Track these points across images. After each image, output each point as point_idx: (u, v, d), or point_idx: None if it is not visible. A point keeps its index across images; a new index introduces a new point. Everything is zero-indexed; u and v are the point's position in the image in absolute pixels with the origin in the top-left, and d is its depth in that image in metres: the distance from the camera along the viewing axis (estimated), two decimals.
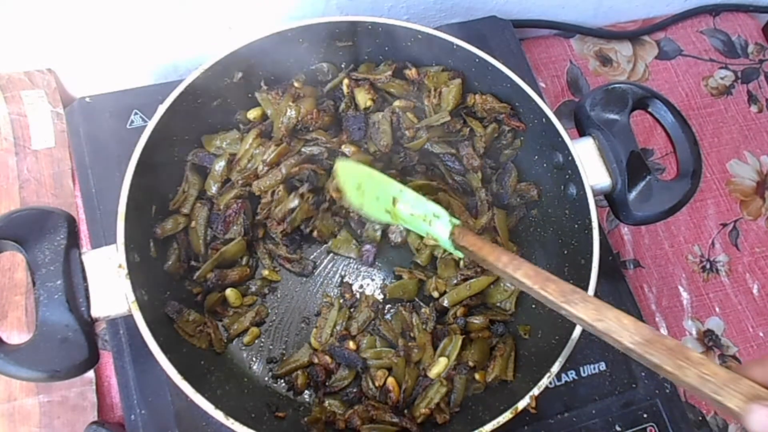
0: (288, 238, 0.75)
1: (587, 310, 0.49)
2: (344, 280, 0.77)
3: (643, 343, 0.45)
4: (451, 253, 0.75)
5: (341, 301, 0.74)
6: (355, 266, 0.78)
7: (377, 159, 0.76)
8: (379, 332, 0.73)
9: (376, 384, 0.69)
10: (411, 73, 0.78)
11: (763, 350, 0.88)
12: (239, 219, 0.72)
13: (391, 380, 0.68)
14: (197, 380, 0.59)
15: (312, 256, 0.77)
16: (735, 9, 1.11)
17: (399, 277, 0.76)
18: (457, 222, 0.61)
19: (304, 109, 0.75)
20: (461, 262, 0.75)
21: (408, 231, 0.76)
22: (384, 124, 0.76)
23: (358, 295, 0.75)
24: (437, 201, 0.74)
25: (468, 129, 0.78)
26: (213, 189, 0.74)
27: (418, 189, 0.71)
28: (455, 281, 0.74)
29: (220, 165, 0.74)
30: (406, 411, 0.69)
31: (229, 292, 0.72)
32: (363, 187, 0.68)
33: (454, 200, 0.76)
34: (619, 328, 0.47)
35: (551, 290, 0.52)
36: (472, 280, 0.74)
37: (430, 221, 0.63)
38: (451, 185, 0.79)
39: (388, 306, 0.75)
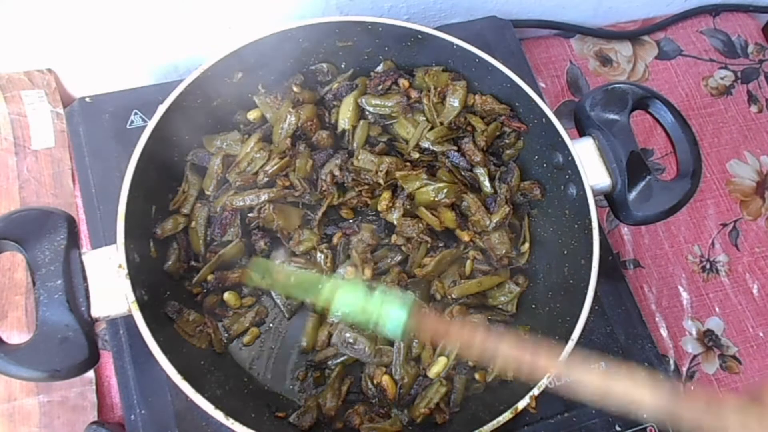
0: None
1: None
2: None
3: None
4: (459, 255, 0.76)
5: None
6: None
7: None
8: None
9: (374, 381, 0.69)
10: (404, 83, 0.78)
11: (763, 350, 0.88)
12: (236, 221, 0.72)
13: (386, 378, 0.68)
14: (197, 380, 0.59)
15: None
16: (735, 9, 1.10)
17: (412, 276, 0.76)
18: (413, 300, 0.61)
19: (304, 116, 0.75)
20: (468, 263, 0.75)
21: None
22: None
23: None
24: (456, 198, 0.75)
25: (468, 124, 0.78)
26: (210, 188, 0.74)
27: (439, 191, 0.73)
28: (452, 279, 0.74)
29: (214, 163, 0.73)
30: (406, 410, 0.69)
31: (228, 296, 0.71)
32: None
33: (468, 196, 0.76)
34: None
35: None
36: (483, 277, 0.74)
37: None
38: (461, 180, 0.78)
39: None
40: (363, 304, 0.60)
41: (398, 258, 0.75)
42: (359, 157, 0.74)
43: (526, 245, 0.77)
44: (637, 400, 0.49)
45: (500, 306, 0.75)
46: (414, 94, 0.77)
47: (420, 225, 0.74)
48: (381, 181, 0.74)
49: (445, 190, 0.74)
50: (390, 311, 0.59)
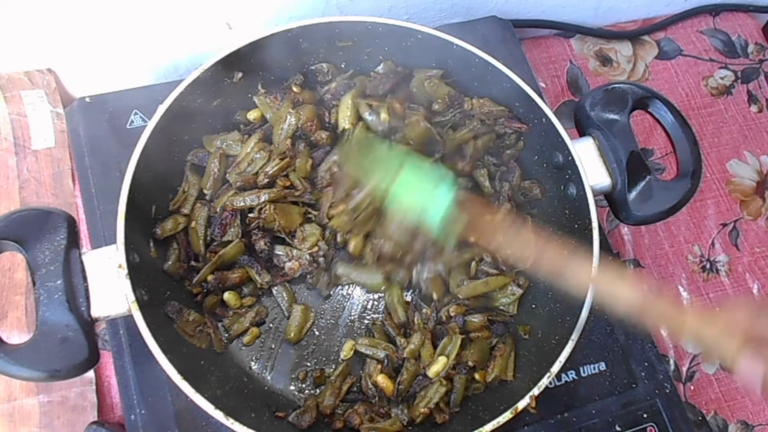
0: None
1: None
2: None
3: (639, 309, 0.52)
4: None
5: None
6: None
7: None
8: (383, 325, 0.73)
9: (372, 379, 0.69)
10: (398, 107, 0.77)
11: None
12: (236, 221, 0.72)
13: (381, 377, 0.68)
14: (197, 380, 0.59)
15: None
16: (735, 9, 1.11)
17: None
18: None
19: (305, 117, 0.75)
20: (473, 264, 0.75)
21: None
22: None
23: None
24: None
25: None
26: (208, 188, 0.74)
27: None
28: (461, 278, 0.74)
29: (212, 163, 0.73)
30: (406, 410, 0.69)
31: (228, 296, 0.71)
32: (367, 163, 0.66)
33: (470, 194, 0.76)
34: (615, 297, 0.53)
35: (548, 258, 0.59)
36: (490, 277, 0.74)
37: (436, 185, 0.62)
38: None
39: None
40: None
41: None
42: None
43: None
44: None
45: (501, 307, 0.75)
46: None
47: None
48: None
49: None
50: (437, 197, 0.62)
